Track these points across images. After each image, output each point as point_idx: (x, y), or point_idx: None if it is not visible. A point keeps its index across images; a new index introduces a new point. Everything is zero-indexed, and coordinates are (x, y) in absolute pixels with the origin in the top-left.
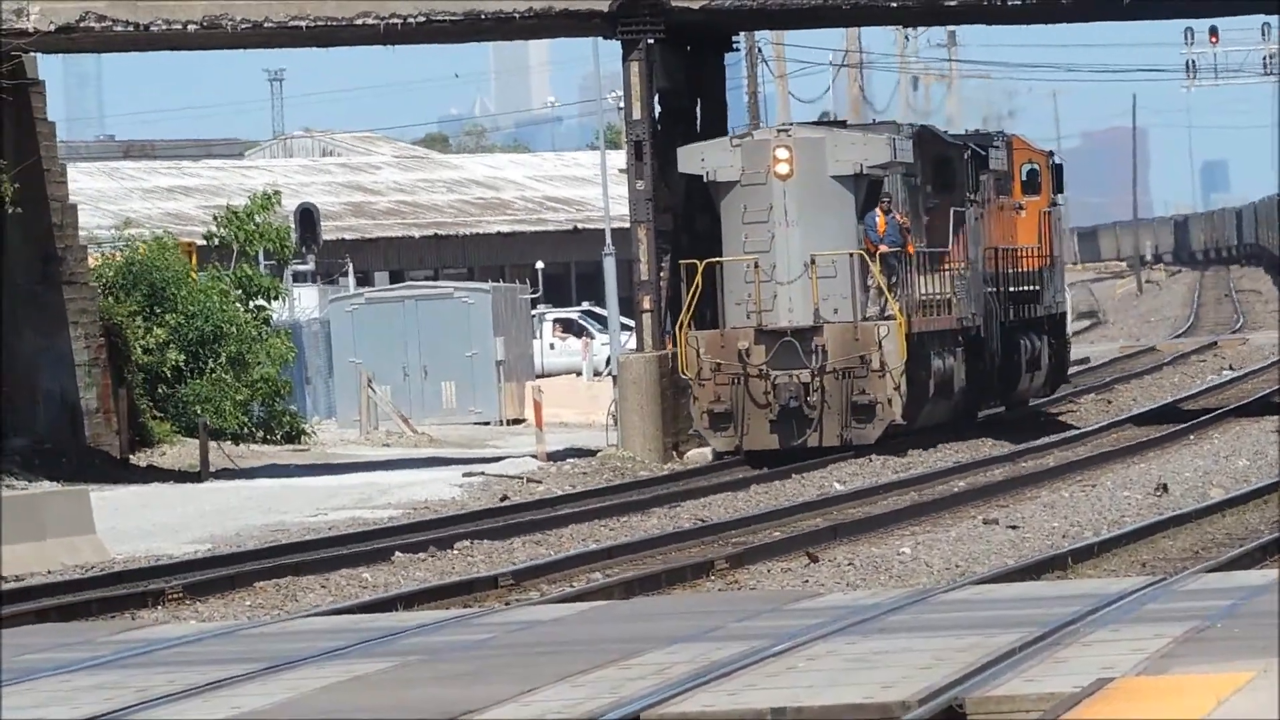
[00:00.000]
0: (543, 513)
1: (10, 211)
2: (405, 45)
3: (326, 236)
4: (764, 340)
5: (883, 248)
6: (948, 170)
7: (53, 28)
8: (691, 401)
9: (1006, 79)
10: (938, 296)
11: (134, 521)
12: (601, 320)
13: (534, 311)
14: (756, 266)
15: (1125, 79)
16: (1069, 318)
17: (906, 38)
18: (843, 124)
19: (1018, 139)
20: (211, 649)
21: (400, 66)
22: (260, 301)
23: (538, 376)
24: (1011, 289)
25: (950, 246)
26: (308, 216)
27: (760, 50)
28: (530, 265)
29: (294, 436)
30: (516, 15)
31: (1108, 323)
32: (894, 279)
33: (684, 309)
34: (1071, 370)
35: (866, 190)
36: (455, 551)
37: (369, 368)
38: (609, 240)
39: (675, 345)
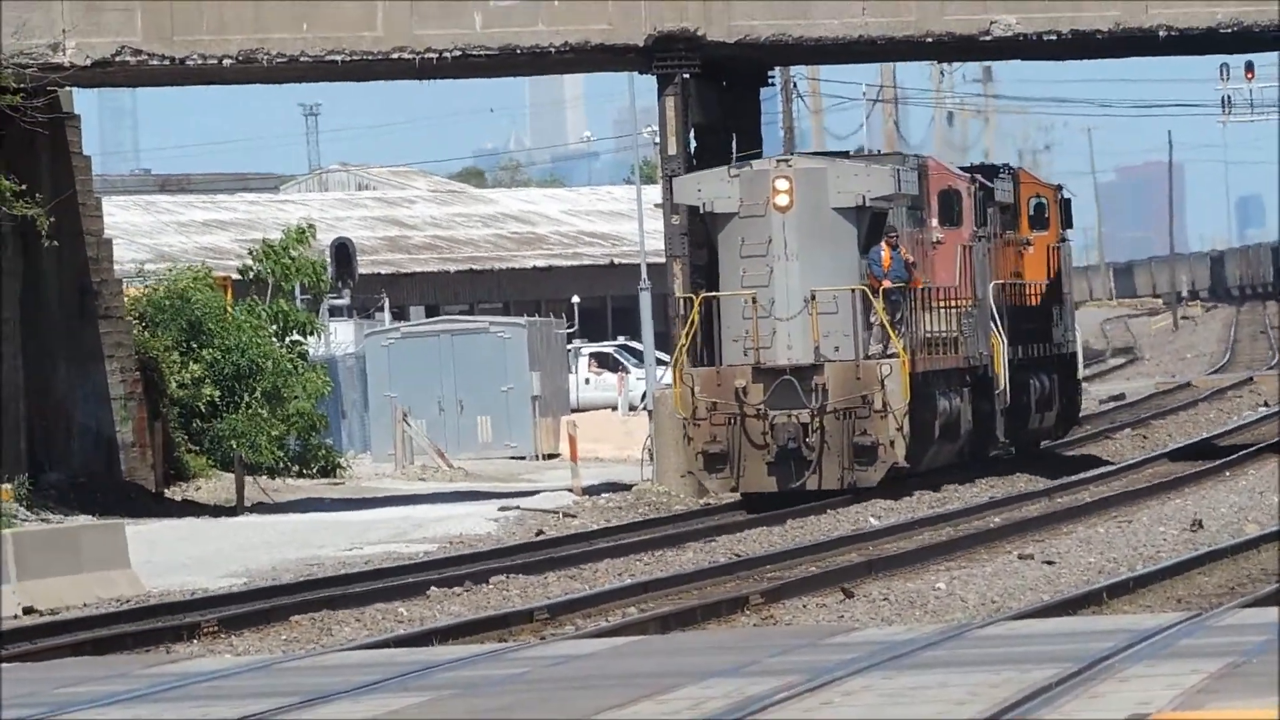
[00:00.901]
0: (578, 547)
1: (46, 245)
2: (441, 80)
3: (362, 271)
4: (762, 379)
5: (886, 283)
6: (954, 203)
7: (88, 62)
8: (685, 442)
9: (1042, 114)
10: (943, 334)
11: (169, 555)
12: (637, 355)
13: (569, 346)
14: (754, 302)
15: (1161, 114)
16: (1080, 357)
17: (942, 73)
18: (845, 154)
19: (1024, 172)
20: (246, 683)
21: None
22: (296, 336)
23: (573, 411)
24: (1020, 326)
25: (956, 282)
26: (343, 251)
27: (795, 85)
28: (566, 300)
29: (329, 470)
30: (552, 50)
31: (1144, 358)
32: (898, 315)
33: (678, 345)
34: (1107, 406)
35: (869, 223)
36: (490, 586)
37: (405, 402)
38: (644, 275)
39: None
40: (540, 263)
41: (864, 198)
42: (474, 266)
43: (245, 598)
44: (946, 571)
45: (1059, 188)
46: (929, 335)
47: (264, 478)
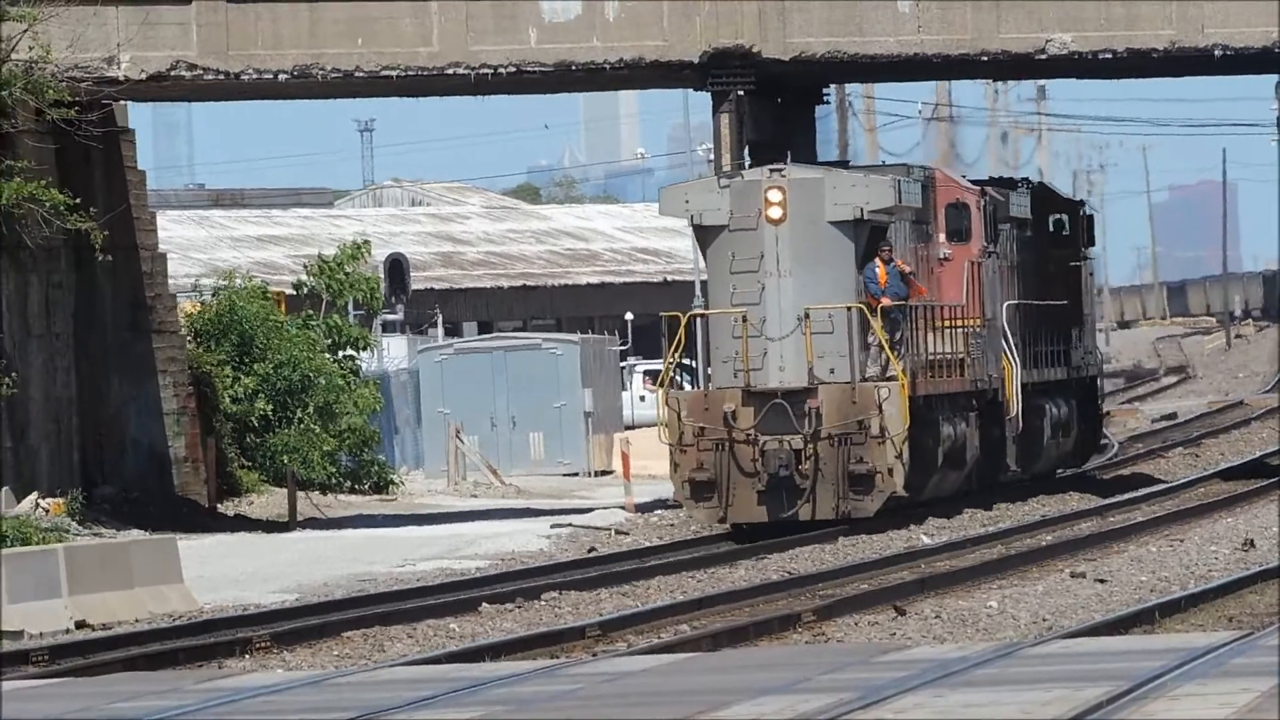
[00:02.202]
0: (630, 564)
1: (100, 259)
2: (495, 96)
3: (415, 286)
4: (752, 402)
5: (885, 300)
6: (962, 217)
7: (143, 76)
8: (671, 470)
9: (1096, 133)
10: (949, 356)
11: (221, 570)
12: (691, 372)
13: (623, 363)
14: (745, 320)
15: (1215, 133)
16: (1101, 381)
17: (997, 91)
18: (844, 164)
19: (1043, 186)
20: (298, 698)
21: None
22: (349, 351)
23: (626, 428)
24: (1035, 349)
25: (964, 300)
26: (397, 266)
27: (851, 103)
28: (619, 316)
29: (382, 486)
30: (607, 66)
31: (1196, 377)
32: (897, 335)
33: (664, 368)
34: (1160, 425)
35: (868, 237)
36: (542, 602)
37: (457, 418)
38: (699, 292)
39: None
40: (594, 279)
41: (862, 210)
42: (527, 283)
43: (297, 613)
44: (999, 590)
45: (1080, 203)
46: (933, 357)
47: (316, 493)
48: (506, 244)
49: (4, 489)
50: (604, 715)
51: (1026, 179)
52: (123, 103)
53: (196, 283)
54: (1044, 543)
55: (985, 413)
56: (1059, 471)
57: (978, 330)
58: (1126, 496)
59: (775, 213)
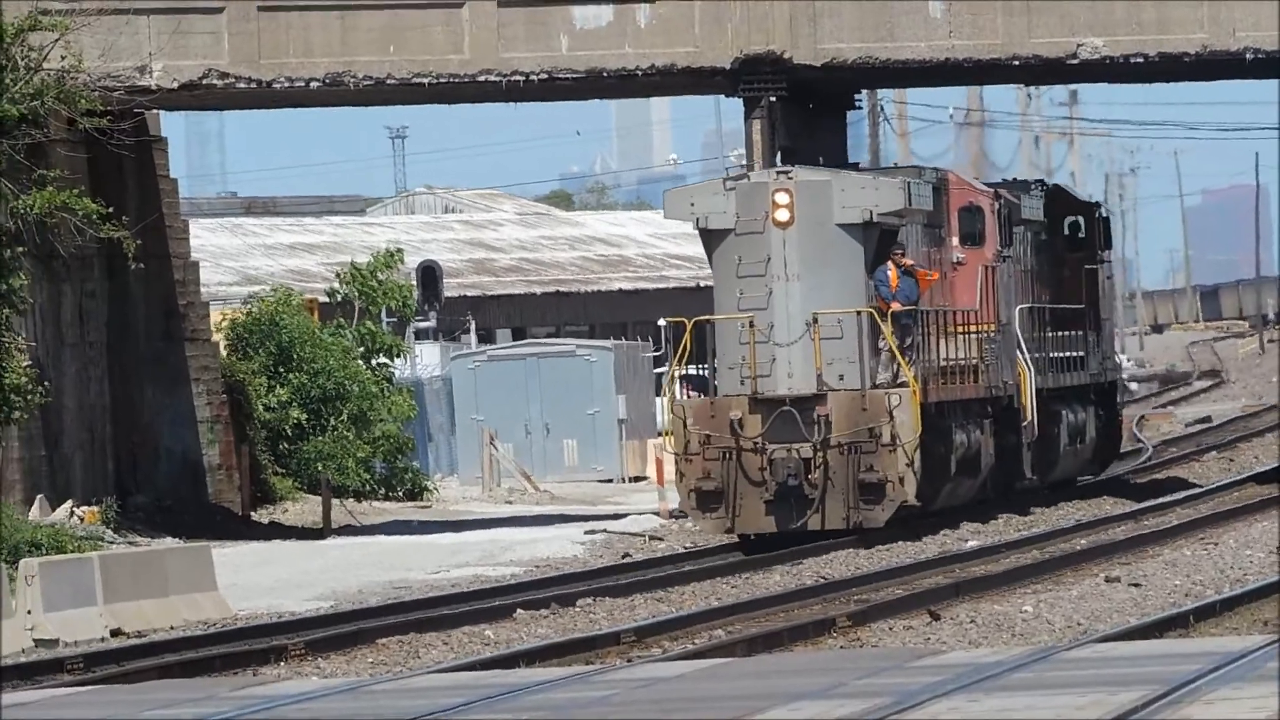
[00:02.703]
0: (664, 570)
1: (133, 268)
2: (527, 103)
3: (448, 293)
4: (760, 410)
5: (895, 305)
6: (975, 220)
7: (175, 85)
8: (677, 479)
9: (1128, 137)
10: (962, 361)
11: (256, 578)
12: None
13: (656, 369)
14: (752, 326)
15: (1247, 137)
16: (1120, 387)
17: (1029, 96)
18: (855, 166)
19: (1059, 188)
20: (334, 705)
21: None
22: (382, 358)
23: (660, 434)
24: (1051, 354)
25: (978, 305)
26: (430, 273)
27: (882, 108)
28: (652, 322)
29: (416, 493)
30: (639, 73)
31: (1230, 381)
32: (908, 341)
33: (669, 374)
34: (1194, 428)
35: (878, 241)
36: (577, 609)
37: (491, 425)
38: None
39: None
40: (626, 285)
41: (871, 213)
42: (560, 289)
43: (332, 620)
44: (1033, 594)
45: (1096, 205)
46: (947, 363)
47: (350, 500)
48: (539, 250)
49: (39, 497)
50: None
51: (1041, 181)
52: (155, 111)
53: (247, 299)
54: (1078, 547)
55: (1000, 420)
56: (1079, 479)
57: (992, 335)
58: (1161, 500)
59: (782, 215)
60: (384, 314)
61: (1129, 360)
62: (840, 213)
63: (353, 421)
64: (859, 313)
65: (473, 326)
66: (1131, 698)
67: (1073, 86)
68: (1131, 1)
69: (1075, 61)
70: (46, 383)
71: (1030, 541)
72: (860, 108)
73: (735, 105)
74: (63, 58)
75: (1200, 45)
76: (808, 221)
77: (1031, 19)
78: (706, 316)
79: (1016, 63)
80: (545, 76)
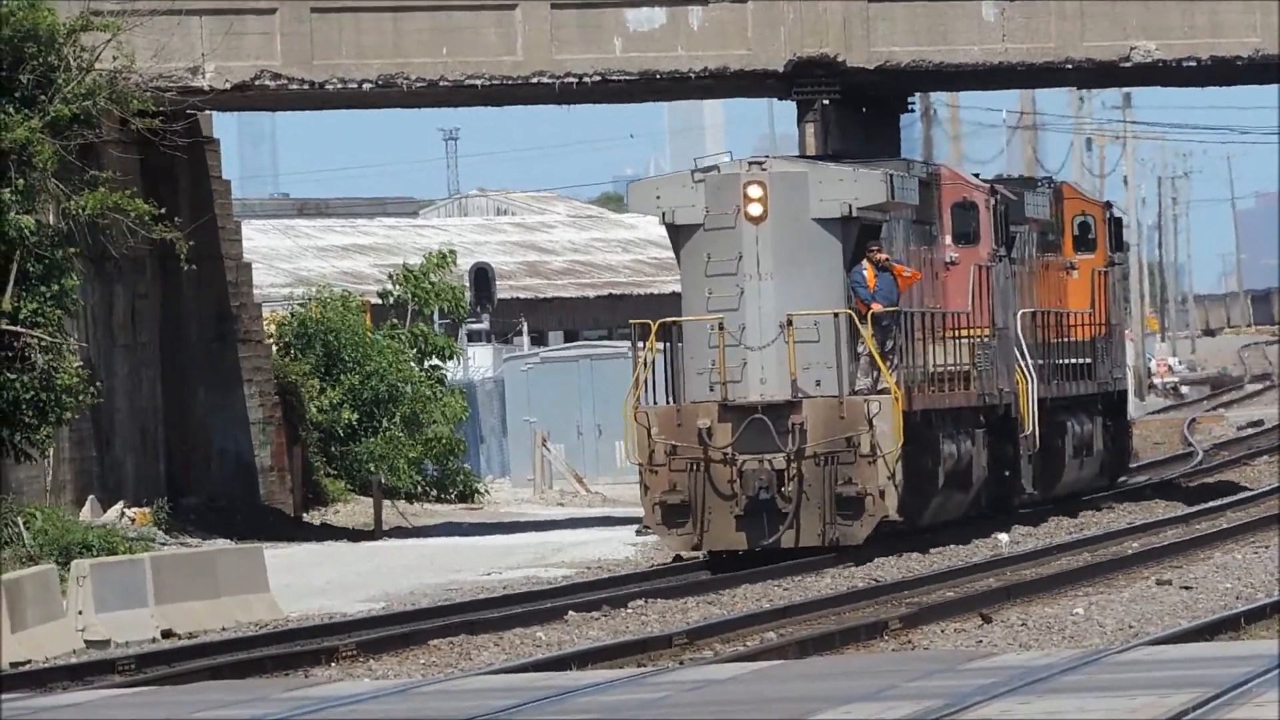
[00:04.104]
0: (716, 573)
1: (185, 269)
2: (580, 105)
3: (501, 295)
4: (730, 417)
5: (875, 306)
6: (970, 218)
7: (228, 86)
8: (641, 492)
9: (1181, 140)
10: (952, 367)
11: (307, 579)
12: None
13: None
14: (721, 328)
15: None
16: (1130, 396)
17: (1081, 99)
18: (834, 158)
19: (1068, 186)
20: (385, 707)
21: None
22: (435, 360)
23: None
24: (1055, 361)
25: (971, 307)
26: (482, 275)
27: (935, 111)
28: None
29: (468, 495)
30: (692, 75)
31: None
32: (889, 344)
33: (633, 380)
34: (1246, 432)
35: (858, 236)
36: (629, 611)
37: (543, 427)
38: None
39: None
40: (679, 288)
41: (850, 207)
42: (613, 291)
43: (384, 622)
44: (1084, 597)
45: (1108, 204)
46: (937, 369)
47: (402, 502)
48: (592, 253)
49: (90, 498)
50: None
51: (1049, 178)
52: (207, 112)
53: (288, 299)
54: (1129, 550)
55: (997, 430)
56: (1086, 495)
57: (986, 340)
58: (1212, 504)
59: (755, 210)
60: (436, 315)
61: (1180, 364)
62: (817, 206)
63: (405, 423)
64: (837, 314)
65: (525, 328)
66: (1182, 700)
67: (1126, 90)
68: (1185, 4)
69: (1128, 65)
70: (98, 384)
71: (1081, 544)
72: (913, 110)
73: (788, 109)
74: (115, 58)
75: (1253, 49)
76: (782, 216)
77: (1085, 22)
78: (673, 318)
79: (1069, 66)
80: (598, 78)
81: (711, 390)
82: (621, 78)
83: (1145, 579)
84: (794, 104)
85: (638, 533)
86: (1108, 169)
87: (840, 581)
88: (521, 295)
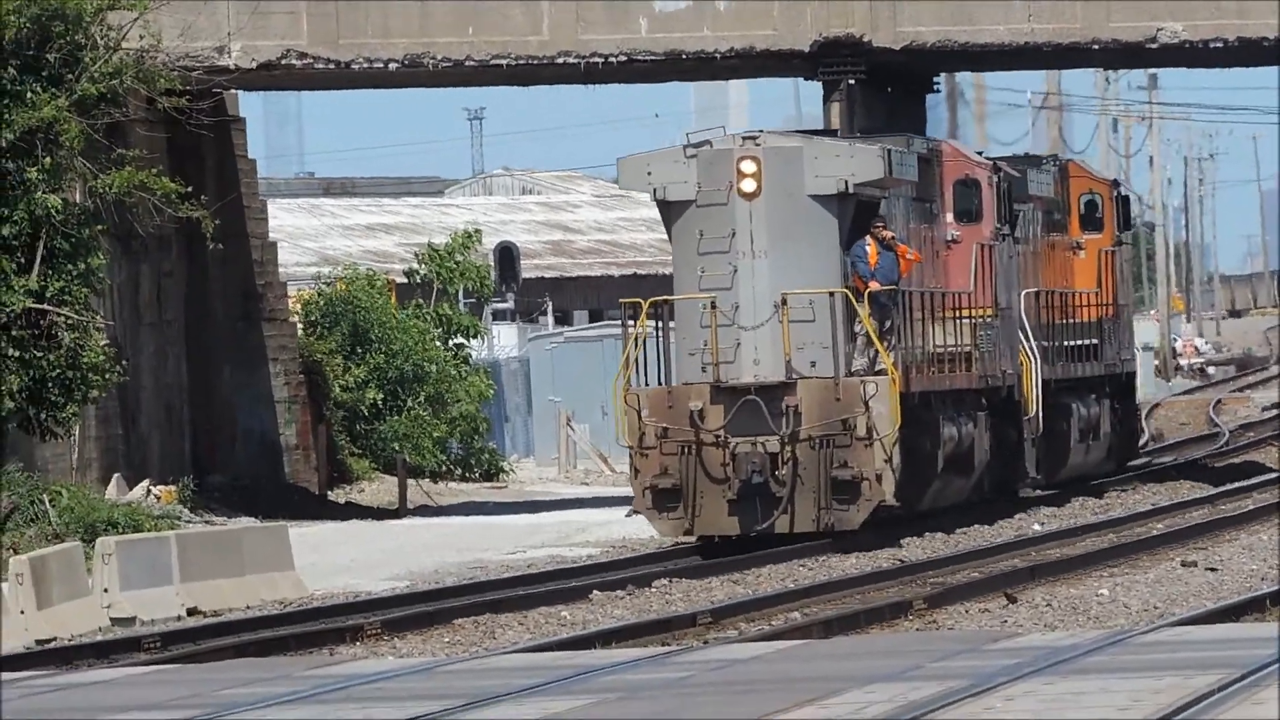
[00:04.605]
0: (740, 552)
1: (211, 248)
2: (606, 85)
3: (526, 275)
4: (722, 399)
5: (874, 284)
6: (971, 196)
7: (254, 65)
8: (631, 476)
9: (1207, 121)
10: (953, 348)
11: (332, 557)
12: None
13: None
14: (714, 307)
15: None
16: (1139, 378)
17: (1108, 80)
18: (831, 133)
19: (1075, 164)
20: (409, 685)
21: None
22: (459, 339)
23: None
24: (1061, 342)
25: (972, 287)
26: (507, 255)
27: (961, 92)
28: None
29: (492, 474)
30: (717, 55)
31: None
32: (888, 324)
33: (622, 360)
34: (1271, 413)
35: (854, 213)
36: (653, 590)
37: (568, 406)
38: None
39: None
40: None
41: (847, 183)
42: (638, 271)
43: (408, 600)
44: (1110, 577)
45: (1115, 183)
46: (937, 350)
47: (427, 481)
48: (617, 232)
49: (116, 476)
50: (714, 703)
51: (1055, 156)
52: (233, 91)
53: (319, 275)
54: (1155, 531)
55: (1000, 413)
56: (1094, 481)
57: (989, 320)
58: (1237, 485)
59: (749, 185)
60: (461, 295)
61: (1206, 344)
62: (813, 182)
63: (429, 402)
64: (832, 293)
65: (550, 308)
66: (1208, 681)
67: (1152, 71)
68: None
69: (1154, 46)
70: (124, 362)
71: (1106, 525)
72: (939, 91)
73: (813, 89)
74: (141, 37)
75: None
76: (777, 192)
77: (1111, 3)
78: (664, 296)
79: (1095, 47)
80: (624, 59)
81: (704, 371)
82: (647, 58)
83: (1170, 560)
84: (820, 84)
85: (627, 515)
86: (1133, 150)
87: (865, 561)
88: (546, 274)
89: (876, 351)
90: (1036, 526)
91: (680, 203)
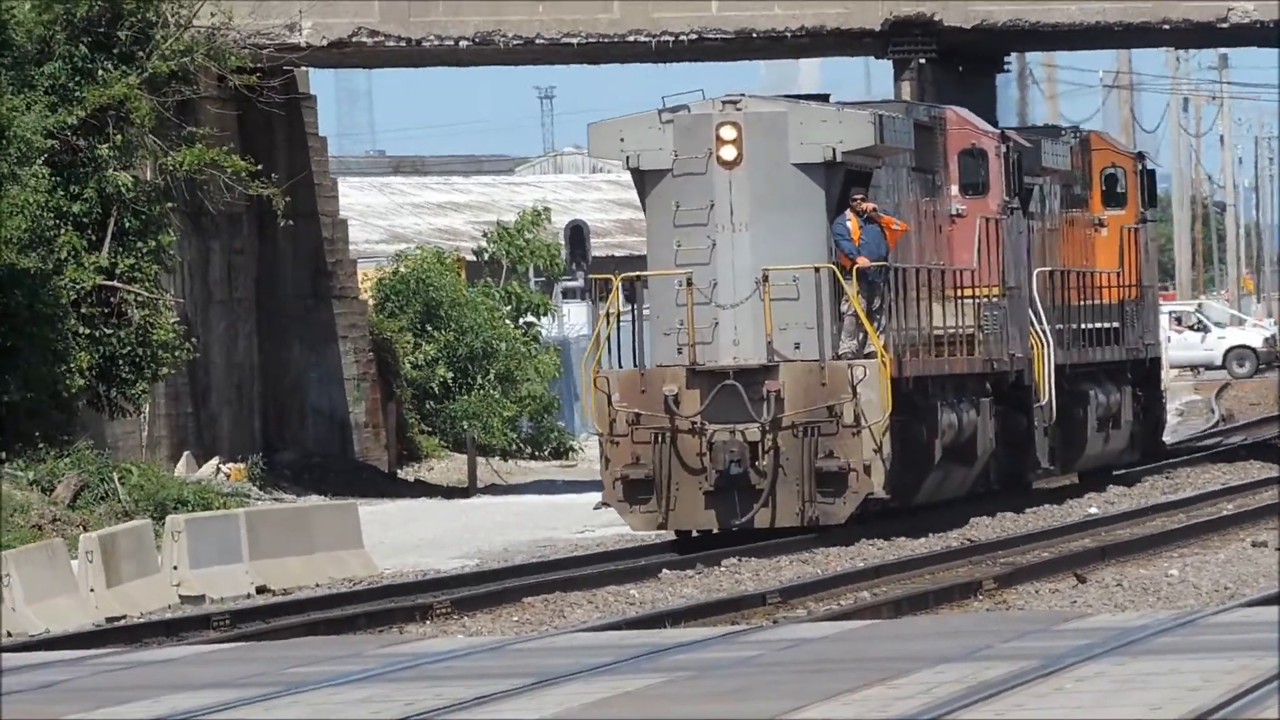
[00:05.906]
0: (810, 532)
1: (281, 225)
2: (676, 63)
3: (595, 253)
4: (699, 383)
5: (862, 260)
6: (978, 166)
7: (324, 43)
8: (602, 465)
9: (1276, 101)
10: (954, 330)
11: (401, 536)
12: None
13: None
14: (690, 284)
15: None
16: (1164, 364)
17: (1179, 59)
18: (824, 98)
19: (1097, 136)
20: (479, 664)
21: (671, 84)
22: (529, 318)
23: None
24: (1077, 325)
25: (977, 264)
26: (578, 233)
27: (1031, 71)
28: None
29: (561, 452)
30: (788, 34)
31: None
32: (877, 303)
33: (592, 340)
34: None
35: (843, 183)
36: (722, 569)
37: None
38: None
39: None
40: None
41: (835, 151)
42: None
43: (477, 579)
44: (1180, 558)
45: (1140, 156)
46: (936, 331)
47: (496, 459)
48: None
49: (186, 454)
50: (784, 681)
51: (1076, 127)
52: (304, 69)
53: (395, 256)
54: (1225, 511)
55: (1009, 400)
56: (1116, 471)
57: (995, 300)
58: None
59: (729, 153)
60: (531, 273)
61: (1275, 324)
62: (798, 150)
63: (499, 380)
64: (818, 269)
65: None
66: (1278, 662)
67: (1222, 50)
68: None
69: (1225, 25)
70: (194, 339)
71: (1176, 505)
72: (1009, 70)
73: (884, 68)
74: (212, 15)
75: None
76: (759, 161)
77: None
78: (636, 273)
79: (1166, 26)
80: (695, 37)
81: (679, 353)
82: (718, 36)
83: (1241, 540)
84: (890, 63)
85: (595, 508)
86: (1204, 129)
87: (935, 541)
88: (616, 253)
89: (866, 333)
90: (1093, 509)
91: (655, 171)
